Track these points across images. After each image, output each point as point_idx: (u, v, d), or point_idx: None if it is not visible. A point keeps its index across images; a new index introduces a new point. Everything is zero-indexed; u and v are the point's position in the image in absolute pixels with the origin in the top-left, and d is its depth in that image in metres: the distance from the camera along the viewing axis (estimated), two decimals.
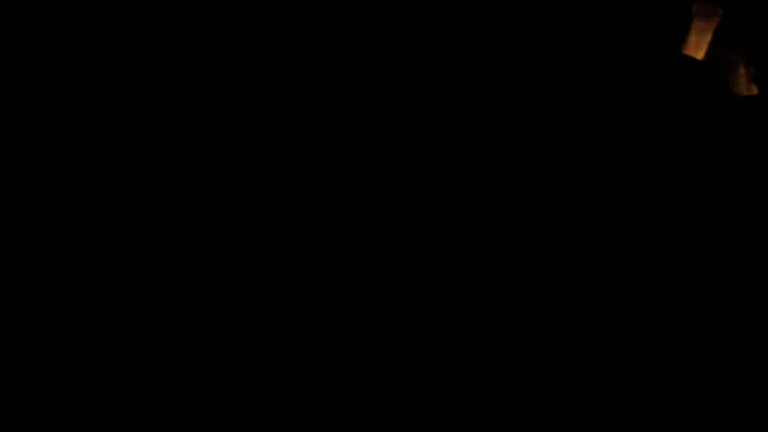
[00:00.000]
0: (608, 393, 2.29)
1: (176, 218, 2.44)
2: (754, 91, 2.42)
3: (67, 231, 2.42)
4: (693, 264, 2.35)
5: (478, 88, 2.50)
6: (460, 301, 2.37)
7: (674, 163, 2.41)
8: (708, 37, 2.43)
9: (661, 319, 2.33)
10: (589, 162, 2.43)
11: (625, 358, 2.31)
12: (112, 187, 2.45)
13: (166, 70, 2.51)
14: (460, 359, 2.33)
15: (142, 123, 2.49)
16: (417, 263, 2.40)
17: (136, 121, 2.49)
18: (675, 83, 2.44)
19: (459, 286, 2.38)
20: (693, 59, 2.43)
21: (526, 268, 2.38)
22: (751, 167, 2.39)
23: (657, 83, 2.44)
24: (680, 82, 2.44)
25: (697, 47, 2.44)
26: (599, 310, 2.35)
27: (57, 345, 2.35)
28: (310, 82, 2.51)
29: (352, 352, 2.35)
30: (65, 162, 2.47)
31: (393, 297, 2.38)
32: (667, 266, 2.35)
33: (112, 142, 2.48)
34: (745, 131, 2.41)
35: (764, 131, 2.41)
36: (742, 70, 2.44)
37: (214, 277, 2.40)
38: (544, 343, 2.34)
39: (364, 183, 2.45)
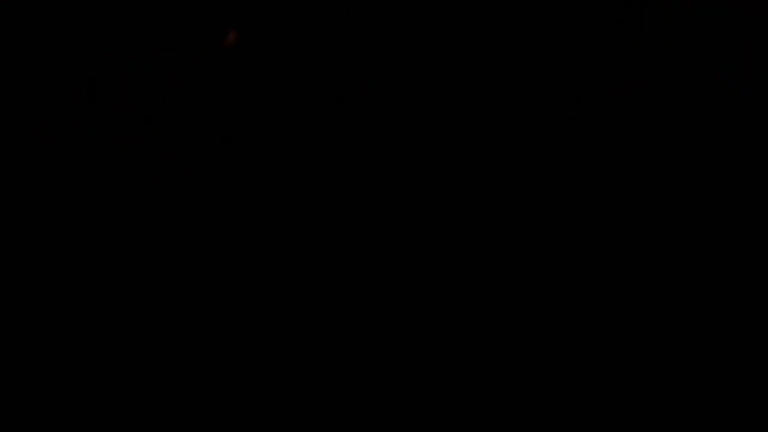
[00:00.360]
0: (608, 393, 2.29)
1: (176, 218, 2.44)
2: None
3: (67, 231, 2.42)
4: (692, 264, 2.35)
5: (478, 88, 2.50)
6: (460, 302, 2.37)
7: (673, 163, 2.41)
8: None
9: (661, 319, 2.33)
10: (589, 162, 2.43)
11: (624, 358, 2.31)
12: (112, 187, 2.45)
13: (166, 70, 2.51)
14: (460, 360, 2.34)
15: (142, 123, 2.49)
16: (417, 263, 2.40)
17: (136, 121, 2.49)
18: (675, 83, 2.44)
19: (459, 286, 2.38)
20: None
21: (526, 268, 2.39)
22: (749, 167, 2.39)
23: (657, 83, 2.45)
24: (680, 81, 2.44)
25: None
26: (598, 310, 2.35)
27: (57, 345, 2.35)
28: (310, 82, 2.52)
29: (351, 353, 2.35)
30: (65, 162, 2.47)
31: (393, 297, 2.38)
32: (667, 266, 2.36)
33: (112, 142, 2.48)
34: (744, 131, 2.42)
35: (763, 131, 2.41)
36: None
37: (215, 277, 2.40)
38: (543, 343, 2.34)
39: (365, 183, 2.46)
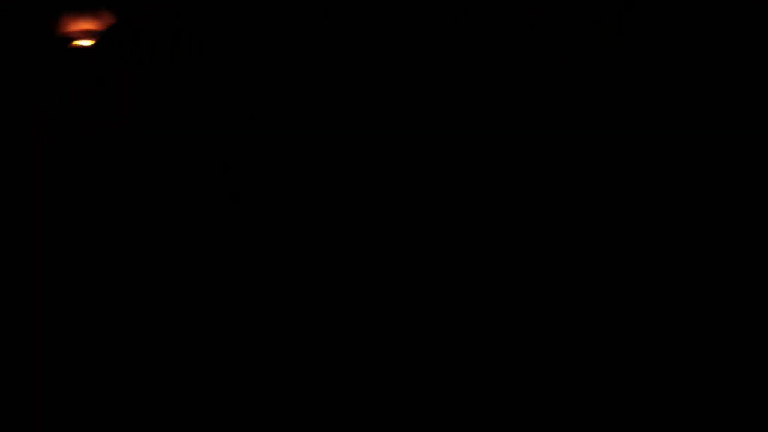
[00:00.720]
0: (608, 393, 2.29)
1: (176, 218, 2.44)
2: None
3: (67, 232, 2.42)
4: (692, 267, 2.35)
5: (478, 88, 2.50)
6: (459, 304, 2.38)
7: (672, 164, 2.41)
8: None
9: (661, 321, 2.33)
10: (589, 163, 2.43)
11: (624, 360, 2.31)
12: (111, 186, 2.46)
13: (165, 70, 2.51)
14: (460, 362, 2.34)
15: (142, 122, 2.49)
16: (417, 266, 2.40)
17: (135, 121, 2.49)
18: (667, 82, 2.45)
19: (459, 288, 2.39)
20: None
21: (527, 271, 2.39)
22: (748, 168, 2.39)
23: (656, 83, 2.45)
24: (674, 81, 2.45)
25: None
26: (597, 311, 2.35)
27: (55, 346, 2.35)
28: (310, 82, 2.51)
29: (351, 354, 2.35)
30: (65, 162, 2.47)
31: (392, 299, 2.38)
32: (668, 269, 2.36)
33: (112, 141, 2.48)
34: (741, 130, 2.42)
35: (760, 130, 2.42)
36: None
37: (214, 278, 2.40)
38: (543, 345, 2.34)
39: (364, 183, 2.46)
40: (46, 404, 2.32)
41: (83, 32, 2.49)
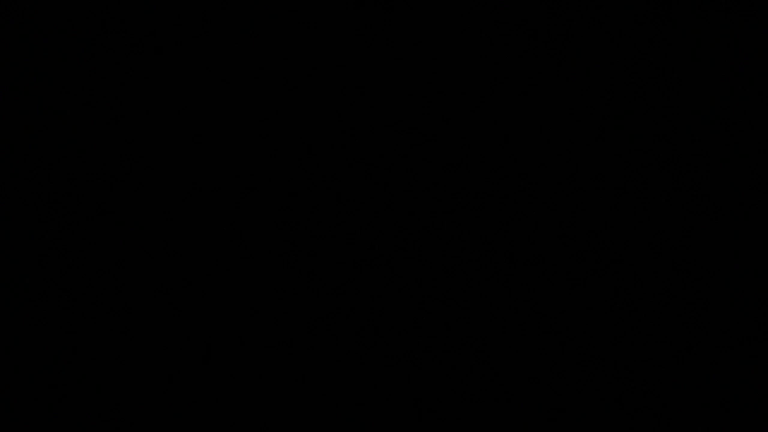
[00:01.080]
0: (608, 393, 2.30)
1: (176, 218, 2.44)
2: None
3: (68, 232, 2.42)
4: (692, 266, 2.36)
5: (477, 88, 2.50)
6: (458, 304, 2.38)
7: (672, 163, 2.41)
8: None
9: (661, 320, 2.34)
10: (587, 163, 2.43)
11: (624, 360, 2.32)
12: (112, 186, 2.46)
13: (166, 70, 2.51)
14: (458, 361, 2.34)
15: (142, 121, 2.49)
16: (416, 266, 2.40)
17: (136, 121, 2.49)
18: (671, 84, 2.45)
19: (458, 288, 2.39)
20: None
21: (526, 271, 2.39)
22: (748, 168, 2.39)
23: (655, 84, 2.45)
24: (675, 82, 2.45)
25: None
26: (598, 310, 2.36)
27: (54, 347, 2.35)
28: (310, 82, 2.51)
29: (351, 354, 2.36)
30: (66, 162, 2.47)
31: (392, 299, 2.38)
32: (667, 268, 2.36)
33: (113, 141, 2.48)
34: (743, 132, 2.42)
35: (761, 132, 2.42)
36: None
37: (214, 277, 2.40)
38: (543, 344, 2.34)
39: (364, 183, 2.46)
40: None
41: None
